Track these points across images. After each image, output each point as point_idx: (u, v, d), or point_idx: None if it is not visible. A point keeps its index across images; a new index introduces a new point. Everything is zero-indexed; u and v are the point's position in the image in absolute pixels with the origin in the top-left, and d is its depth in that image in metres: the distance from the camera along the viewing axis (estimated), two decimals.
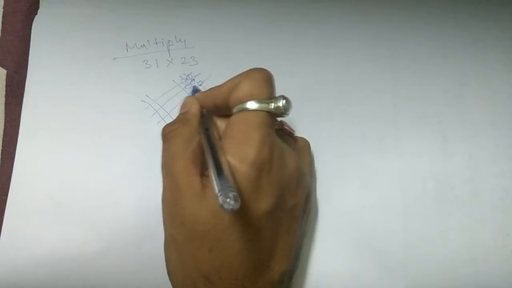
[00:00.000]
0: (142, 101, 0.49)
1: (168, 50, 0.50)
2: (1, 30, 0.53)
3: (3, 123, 0.51)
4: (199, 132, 0.38)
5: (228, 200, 0.29)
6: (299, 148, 0.43)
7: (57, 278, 0.45)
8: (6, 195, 0.47)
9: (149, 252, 0.45)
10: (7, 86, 0.51)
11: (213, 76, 0.49)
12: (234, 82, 0.38)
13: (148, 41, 0.51)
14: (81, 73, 0.50)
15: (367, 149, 0.47)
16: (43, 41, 0.51)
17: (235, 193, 0.30)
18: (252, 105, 0.36)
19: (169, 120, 0.47)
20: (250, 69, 0.39)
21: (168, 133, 0.39)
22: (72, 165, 0.48)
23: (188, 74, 0.50)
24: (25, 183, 0.47)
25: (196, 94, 0.43)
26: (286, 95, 0.37)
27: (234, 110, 0.37)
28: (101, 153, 0.48)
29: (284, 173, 0.37)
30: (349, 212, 0.45)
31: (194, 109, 0.41)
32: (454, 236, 0.44)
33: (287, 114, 0.37)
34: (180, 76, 0.50)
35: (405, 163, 0.46)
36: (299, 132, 0.46)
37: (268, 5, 0.51)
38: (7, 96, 0.51)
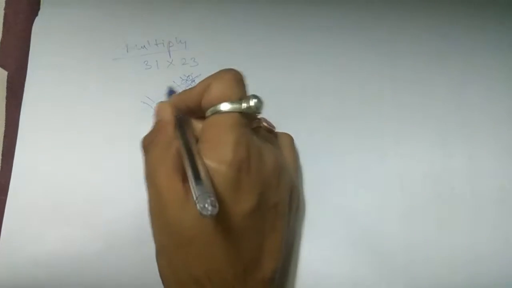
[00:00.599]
0: (142, 102, 0.49)
1: (169, 51, 0.51)
2: (2, 31, 0.53)
3: (4, 124, 0.51)
4: (176, 138, 0.38)
5: (206, 206, 0.29)
6: (281, 144, 0.43)
7: (57, 278, 0.45)
8: (6, 195, 0.47)
9: (148, 253, 0.43)
10: (8, 87, 0.51)
11: None
12: (205, 84, 0.38)
13: (148, 42, 0.51)
14: (81, 74, 0.50)
15: (366, 150, 0.47)
16: (43, 41, 0.52)
17: (212, 199, 0.30)
18: (224, 106, 0.36)
19: None
20: (220, 70, 0.39)
21: (146, 145, 0.39)
22: (71, 166, 0.48)
23: (189, 75, 0.50)
24: (25, 183, 0.47)
25: (170, 98, 0.43)
26: (257, 94, 0.37)
27: (208, 113, 0.38)
28: (100, 153, 0.48)
29: (264, 170, 0.37)
30: (349, 212, 0.45)
31: (167, 115, 0.41)
32: (453, 236, 0.44)
33: (259, 113, 0.38)
34: (181, 77, 0.50)
35: (404, 163, 0.46)
36: (299, 134, 0.47)
37: (269, 8, 0.51)
38: (8, 97, 0.51)
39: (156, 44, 0.51)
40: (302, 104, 0.48)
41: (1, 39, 0.53)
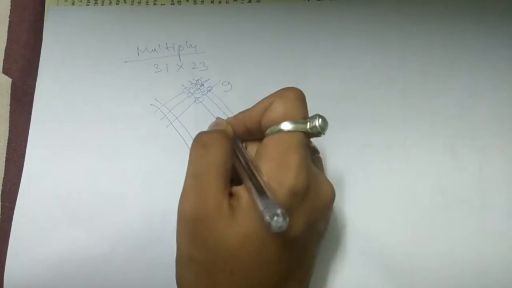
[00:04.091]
0: (151, 104, 0.49)
1: (179, 55, 0.51)
2: (7, 39, 0.53)
3: (8, 130, 0.51)
4: (233, 152, 0.37)
5: (276, 218, 0.28)
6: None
7: (64, 280, 0.45)
8: (11, 201, 0.48)
9: (155, 256, 0.45)
10: (12, 94, 0.51)
11: (222, 82, 0.50)
12: (266, 103, 0.37)
13: (159, 45, 0.51)
14: (92, 76, 0.51)
15: (375, 160, 0.47)
16: (53, 45, 0.52)
17: (283, 210, 0.29)
18: (287, 126, 0.35)
19: (177, 124, 0.48)
20: (283, 89, 0.37)
21: (208, 139, 0.37)
22: (80, 168, 0.48)
23: (198, 79, 0.50)
24: (34, 185, 0.47)
25: (226, 119, 0.42)
26: (321, 115, 0.36)
27: (268, 132, 0.36)
28: (109, 156, 0.48)
29: (317, 202, 0.36)
30: (357, 223, 0.45)
31: (230, 129, 0.40)
32: (462, 249, 0.44)
33: (323, 134, 0.36)
34: (190, 81, 0.50)
35: (413, 175, 0.46)
36: None
37: (277, 12, 0.52)
38: (12, 104, 0.51)
39: (167, 48, 0.51)
40: (312, 109, 0.48)
41: (6, 47, 0.53)
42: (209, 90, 0.50)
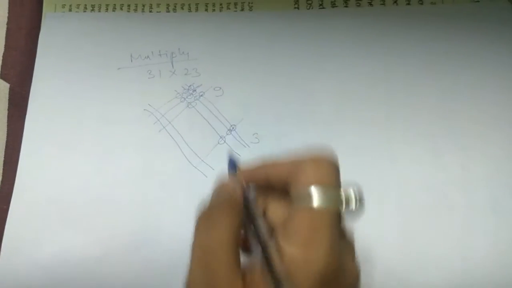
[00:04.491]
0: (144, 110, 0.50)
1: (172, 62, 0.52)
2: (5, 45, 0.54)
3: (6, 135, 0.52)
4: (244, 223, 0.33)
5: None
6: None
7: (58, 281, 0.46)
8: (8, 204, 0.48)
9: (148, 256, 0.45)
10: (10, 99, 0.52)
11: (214, 87, 0.51)
12: (296, 162, 0.32)
13: (152, 52, 0.52)
14: (86, 81, 0.51)
15: (361, 163, 0.48)
16: (48, 51, 0.53)
17: None
18: (319, 196, 0.30)
19: (170, 128, 0.49)
20: (315, 152, 0.32)
21: (214, 213, 0.33)
22: (74, 172, 0.48)
23: (190, 85, 0.51)
24: (28, 189, 0.48)
25: (244, 170, 0.37)
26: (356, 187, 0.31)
27: (296, 198, 0.30)
28: (102, 159, 0.49)
29: (345, 282, 0.31)
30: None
31: (239, 196, 0.34)
32: (447, 245, 0.45)
33: (360, 211, 0.31)
34: (182, 87, 0.51)
35: (400, 175, 0.47)
36: (297, 143, 0.48)
37: (268, 20, 0.53)
38: (10, 108, 0.52)
39: (160, 55, 0.52)
40: (300, 113, 0.50)
41: (4, 53, 0.54)
42: (201, 95, 0.50)
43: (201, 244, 0.32)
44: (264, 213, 0.34)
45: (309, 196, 0.30)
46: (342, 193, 0.31)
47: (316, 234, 0.29)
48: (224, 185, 0.36)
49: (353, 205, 0.31)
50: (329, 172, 0.31)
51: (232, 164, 0.38)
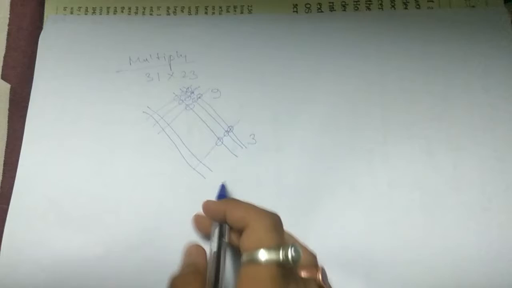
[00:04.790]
0: (143, 112, 0.51)
1: (169, 64, 0.52)
2: (6, 46, 0.55)
3: (6, 134, 0.52)
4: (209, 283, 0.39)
5: None
6: None
7: (58, 281, 0.46)
8: (8, 204, 0.48)
9: (148, 256, 0.46)
10: (10, 99, 0.53)
11: (212, 89, 0.51)
12: (245, 219, 0.39)
13: (150, 55, 0.53)
14: (85, 85, 0.52)
15: (356, 162, 0.48)
16: (48, 53, 0.53)
17: None
18: (262, 255, 0.35)
19: (169, 130, 0.50)
20: (259, 214, 0.39)
21: (179, 286, 0.39)
22: (74, 172, 0.49)
23: (188, 87, 0.51)
24: (28, 189, 0.49)
25: (207, 202, 0.45)
26: (295, 244, 0.36)
27: (244, 259, 0.37)
28: (102, 161, 0.49)
29: None
30: (339, 221, 0.47)
31: (203, 259, 0.42)
32: (439, 243, 0.45)
33: (296, 266, 0.37)
34: (180, 89, 0.51)
35: (392, 174, 0.48)
36: (291, 144, 0.49)
37: (267, 23, 0.53)
38: (10, 109, 0.53)
39: (158, 58, 0.53)
40: (297, 114, 0.50)
41: (5, 54, 0.54)
42: (199, 97, 0.51)
43: None
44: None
45: (253, 258, 0.36)
46: (282, 252, 0.35)
47: (259, 285, 0.35)
48: (189, 250, 0.45)
49: (289, 262, 0.35)
50: (270, 233, 0.37)
51: (222, 194, 0.46)
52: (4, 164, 0.51)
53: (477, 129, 0.49)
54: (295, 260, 0.35)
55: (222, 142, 0.49)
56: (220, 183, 0.47)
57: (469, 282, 0.45)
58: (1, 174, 0.51)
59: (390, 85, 0.50)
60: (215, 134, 0.50)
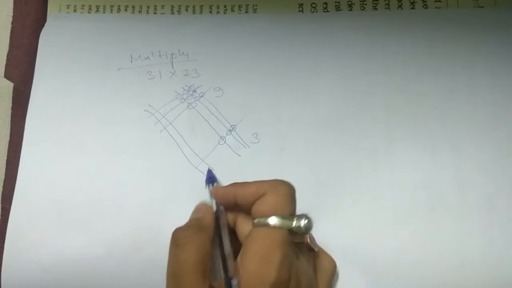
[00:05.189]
0: (145, 110, 0.50)
1: (172, 62, 0.52)
2: (9, 44, 0.55)
3: (9, 134, 0.52)
4: (212, 243, 0.38)
5: None
6: (320, 266, 0.42)
7: (60, 281, 0.46)
8: (11, 203, 0.48)
9: (150, 256, 0.46)
10: (13, 98, 0.53)
11: (214, 87, 0.51)
12: (260, 190, 0.38)
13: (152, 53, 0.52)
14: (86, 82, 0.52)
15: (360, 162, 0.48)
16: (49, 51, 0.53)
17: None
18: (274, 221, 0.36)
19: (171, 129, 0.49)
20: (276, 182, 0.39)
21: (180, 238, 0.38)
22: (75, 171, 0.49)
23: (190, 86, 0.51)
24: (29, 189, 0.48)
25: (216, 187, 0.44)
26: (308, 215, 0.37)
27: (255, 222, 0.37)
28: (104, 160, 0.49)
29: None
30: (343, 220, 0.46)
31: (210, 217, 0.41)
32: (443, 243, 0.45)
33: (306, 234, 0.38)
34: (182, 87, 0.51)
35: (396, 174, 0.47)
36: (294, 143, 0.48)
37: (271, 23, 0.53)
38: (13, 108, 0.53)
39: (160, 56, 0.52)
40: (300, 113, 0.50)
41: (8, 52, 0.54)
42: (202, 96, 0.51)
43: (172, 262, 0.37)
44: (234, 227, 0.42)
45: (266, 223, 0.36)
46: (294, 220, 0.36)
47: (268, 252, 0.35)
48: (198, 207, 0.43)
49: (302, 230, 0.36)
50: (284, 201, 0.37)
51: (210, 179, 0.46)
52: (7, 163, 0.51)
53: (481, 129, 0.48)
54: (307, 229, 0.36)
55: (224, 141, 0.49)
56: (207, 168, 0.48)
57: (472, 282, 0.44)
58: (4, 174, 0.51)
59: (395, 85, 0.50)
60: (217, 133, 0.49)
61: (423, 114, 0.49)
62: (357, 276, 0.45)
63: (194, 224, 0.40)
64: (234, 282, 0.34)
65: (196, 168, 0.48)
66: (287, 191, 0.38)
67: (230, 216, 0.42)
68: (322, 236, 0.45)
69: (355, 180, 0.47)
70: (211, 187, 0.44)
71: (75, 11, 0.55)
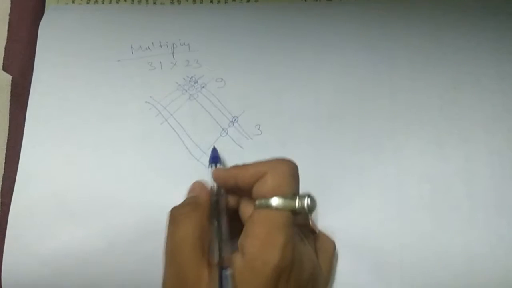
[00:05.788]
0: (146, 102, 0.50)
1: (172, 53, 0.51)
2: (7, 37, 0.54)
3: (8, 127, 0.51)
4: (209, 220, 0.38)
5: None
6: (321, 248, 0.42)
7: (61, 276, 0.45)
8: (10, 198, 0.48)
9: (150, 250, 0.45)
10: (12, 91, 0.52)
11: (216, 78, 0.50)
12: (259, 171, 0.37)
13: (153, 43, 0.52)
14: (86, 74, 0.51)
15: (364, 153, 0.48)
16: (49, 43, 0.53)
17: None
18: (276, 202, 0.35)
19: (172, 121, 0.49)
20: (277, 160, 0.38)
21: (177, 215, 0.38)
22: (76, 165, 0.48)
23: (192, 77, 0.50)
24: (30, 183, 0.48)
25: (217, 169, 0.43)
26: (311, 194, 0.36)
27: (257, 204, 0.36)
28: (104, 153, 0.48)
29: (300, 279, 0.35)
30: (347, 214, 0.46)
31: (206, 195, 0.41)
32: (449, 237, 0.45)
33: (310, 214, 0.37)
34: (184, 79, 0.50)
35: (401, 166, 0.47)
36: (298, 136, 0.48)
37: (273, 12, 0.53)
38: (12, 101, 0.52)
39: (160, 46, 0.52)
40: (303, 105, 0.49)
41: (6, 44, 0.54)
42: (203, 87, 0.50)
43: (170, 239, 0.37)
44: (237, 210, 0.41)
45: (268, 204, 0.35)
46: (297, 200, 0.35)
47: (271, 235, 0.34)
48: (193, 185, 0.43)
49: (305, 210, 0.35)
50: (286, 181, 0.36)
51: (213, 159, 0.45)
52: (6, 157, 0.51)
53: (488, 119, 0.48)
54: (311, 209, 0.36)
55: (226, 133, 0.48)
56: (212, 146, 0.47)
57: (480, 276, 0.44)
58: (3, 168, 0.50)
59: (399, 75, 0.50)
60: (219, 125, 0.49)
61: (429, 104, 0.49)
62: (362, 269, 0.44)
63: (191, 201, 0.41)
64: (227, 273, 0.34)
65: (197, 160, 0.48)
66: (288, 170, 0.37)
67: (233, 198, 0.41)
68: (325, 230, 0.45)
69: (359, 173, 0.47)
70: (213, 167, 0.44)
71: (73, 2, 0.55)
